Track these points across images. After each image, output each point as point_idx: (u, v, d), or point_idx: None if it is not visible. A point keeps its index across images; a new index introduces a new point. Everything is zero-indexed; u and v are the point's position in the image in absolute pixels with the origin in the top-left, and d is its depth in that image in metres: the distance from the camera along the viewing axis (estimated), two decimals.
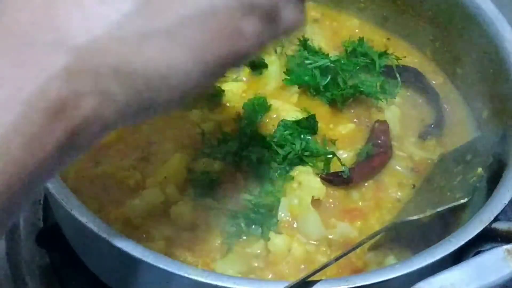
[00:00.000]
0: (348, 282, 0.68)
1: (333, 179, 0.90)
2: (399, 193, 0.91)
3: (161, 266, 0.68)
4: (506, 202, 0.76)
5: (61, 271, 0.95)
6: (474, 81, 1.00)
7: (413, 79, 1.03)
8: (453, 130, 0.99)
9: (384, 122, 0.96)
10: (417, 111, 1.01)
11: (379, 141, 0.94)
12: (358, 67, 1.01)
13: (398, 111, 0.99)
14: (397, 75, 1.01)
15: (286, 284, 0.69)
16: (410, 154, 0.96)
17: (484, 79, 0.97)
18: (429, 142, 0.97)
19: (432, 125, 0.98)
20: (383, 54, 1.03)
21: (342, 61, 1.01)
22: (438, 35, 1.05)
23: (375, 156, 0.93)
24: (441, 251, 0.70)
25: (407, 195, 0.91)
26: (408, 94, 1.02)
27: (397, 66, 1.02)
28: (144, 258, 0.68)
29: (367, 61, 1.02)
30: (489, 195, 0.79)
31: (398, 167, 0.94)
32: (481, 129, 0.98)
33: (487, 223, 0.73)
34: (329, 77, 1.00)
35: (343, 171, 0.90)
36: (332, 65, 1.00)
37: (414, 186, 0.91)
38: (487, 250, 0.69)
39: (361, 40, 1.05)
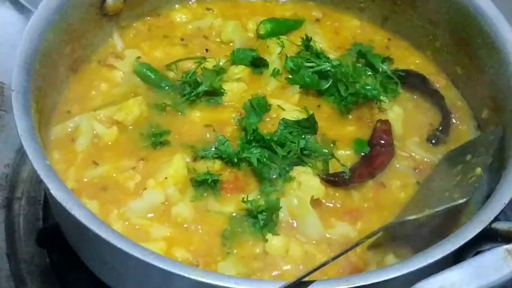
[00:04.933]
0: (348, 282, 0.68)
1: (333, 180, 0.90)
2: (401, 193, 0.91)
3: (161, 266, 0.68)
4: (506, 202, 0.76)
5: (61, 271, 0.95)
6: (474, 81, 1.00)
7: (419, 83, 1.03)
8: (458, 133, 0.99)
9: (386, 122, 0.96)
10: (425, 115, 1.01)
11: (382, 141, 0.94)
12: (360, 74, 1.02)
13: (401, 112, 0.99)
14: (394, 77, 1.01)
15: (286, 284, 0.69)
16: (412, 154, 0.96)
17: (484, 79, 0.97)
18: (435, 144, 0.97)
19: (440, 129, 0.98)
20: (386, 60, 1.04)
21: (343, 69, 1.00)
22: (438, 36, 1.05)
23: (377, 156, 0.93)
24: (441, 251, 0.70)
25: (409, 195, 0.91)
26: (415, 97, 1.02)
27: (403, 71, 1.03)
28: (144, 258, 0.68)
29: (369, 70, 1.03)
30: (489, 195, 0.79)
31: (400, 167, 0.94)
32: (481, 129, 0.98)
33: (487, 223, 0.73)
34: (330, 81, 1.00)
35: (344, 172, 0.90)
36: (333, 69, 1.00)
37: (418, 182, 0.92)
38: (487, 250, 0.69)
39: (365, 48, 1.05)
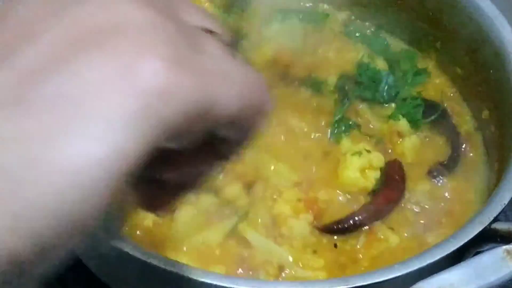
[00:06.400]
0: (348, 282, 0.68)
1: (335, 228, 0.84)
2: (405, 234, 0.86)
3: (161, 266, 0.68)
4: (506, 202, 0.75)
5: (61, 271, 0.95)
6: (474, 81, 0.99)
7: (436, 114, 0.98)
8: (465, 166, 0.94)
9: (395, 161, 0.91)
10: (434, 148, 0.96)
11: (393, 181, 0.89)
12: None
13: (417, 142, 0.94)
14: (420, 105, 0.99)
15: (286, 284, 0.68)
16: (422, 191, 0.91)
17: (484, 79, 0.97)
18: (436, 177, 0.92)
19: (445, 163, 0.93)
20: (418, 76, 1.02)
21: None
22: (438, 36, 1.05)
23: (384, 193, 0.87)
24: (441, 251, 0.70)
25: (418, 236, 0.86)
26: (429, 127, 0.98)
27: (423, 99, 0.99)
28: (143, 258, 0.68)
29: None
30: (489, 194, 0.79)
31: (409, 206, 0.89)
32: (481, 129, 0.98)
33: (487, 224, 0.73)
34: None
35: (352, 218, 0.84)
36: None
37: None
38: (487, 250, 0.69)
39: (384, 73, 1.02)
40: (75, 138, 0.30)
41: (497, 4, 0.96)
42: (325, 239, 0.84)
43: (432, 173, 0.93)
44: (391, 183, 0.88)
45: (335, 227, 0.84)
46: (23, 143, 0.30)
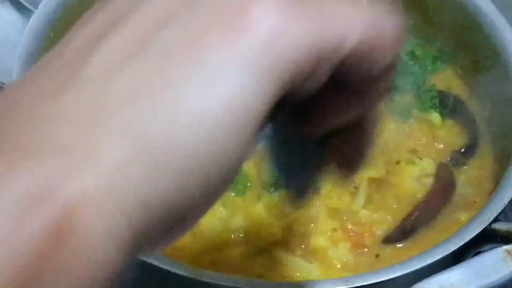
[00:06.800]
0: (348, 282, 0.68)
1: (401, 236, 0.82)
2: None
3: (160, 265, 0.67)
4: (506, 202, 0.75)
5: None
6: (474, 82, 0.99)
7: (452, 105, 0.98)
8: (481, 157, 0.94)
9: (444, 165, 0.90)
10: (454, 137, 0.95)
11: (443, 182, 0.88)
12: None
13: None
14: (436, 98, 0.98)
15: (286, 285, 0.68)
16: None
17: (484, 79, 0.97)
18: (455, 166, 0.91)
19: (462, 151, 0.93)
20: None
21: None
22: (438, 36, 1.05)
23: (434, 193, 0.86)
24: (441, 251, 0.70)
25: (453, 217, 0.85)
26: (449, 120, 0.97)
27: (438, 91, 0.99)
28: (143, 258, 0.68)
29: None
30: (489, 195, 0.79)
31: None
32: (481, 129, 0.98)
33: (487, 224, 0.73)
34: None
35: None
36: None
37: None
38: (487, 250, 0.69)
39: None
40: (211, 81, 0.30)
41: (497, 4, 0.96)
42: (364, 258, 0.81)
43: (450, 161, 0.92)
44: (442, 184, 0.87)
45: (398, 234, 0.82)
46: (166, 88, 0.30)
